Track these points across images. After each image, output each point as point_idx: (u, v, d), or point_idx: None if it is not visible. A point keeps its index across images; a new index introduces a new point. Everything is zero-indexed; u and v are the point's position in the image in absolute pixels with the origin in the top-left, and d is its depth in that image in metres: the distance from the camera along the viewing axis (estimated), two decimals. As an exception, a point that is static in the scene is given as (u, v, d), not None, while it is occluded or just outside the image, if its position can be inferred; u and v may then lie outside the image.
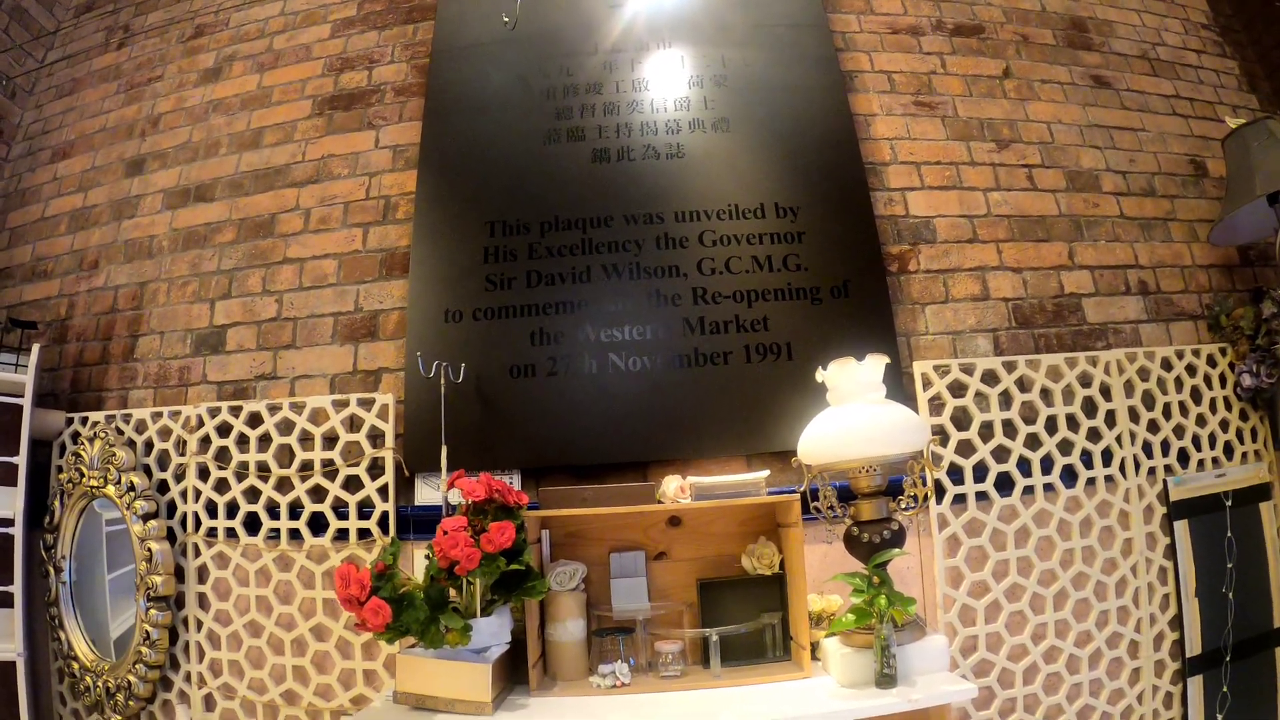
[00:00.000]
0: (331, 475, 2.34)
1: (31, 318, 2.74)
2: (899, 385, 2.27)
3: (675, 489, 1.99)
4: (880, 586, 1.77)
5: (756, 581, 2.02)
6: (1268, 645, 2.35)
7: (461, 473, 1.87)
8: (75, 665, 2.43)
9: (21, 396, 2.43)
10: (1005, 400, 2.34)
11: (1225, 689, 2.27)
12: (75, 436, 2.57)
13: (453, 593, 1.80)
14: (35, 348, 2.50)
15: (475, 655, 1.77)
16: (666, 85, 2.70)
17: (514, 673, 1.89)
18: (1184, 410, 2.43)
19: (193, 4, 3.30)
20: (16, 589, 2.32)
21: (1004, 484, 2.27)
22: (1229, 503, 2.38)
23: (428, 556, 1.81)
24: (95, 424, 2.53)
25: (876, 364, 1.90)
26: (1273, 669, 2.35)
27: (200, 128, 2.97)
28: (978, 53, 2.87)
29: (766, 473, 2.02)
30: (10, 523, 2.36)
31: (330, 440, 2.37)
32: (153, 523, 2.33)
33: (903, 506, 1.95)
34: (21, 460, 2.39)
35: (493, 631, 1.79)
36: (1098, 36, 3.02)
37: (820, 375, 1.98)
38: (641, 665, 1.95)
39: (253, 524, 2.34)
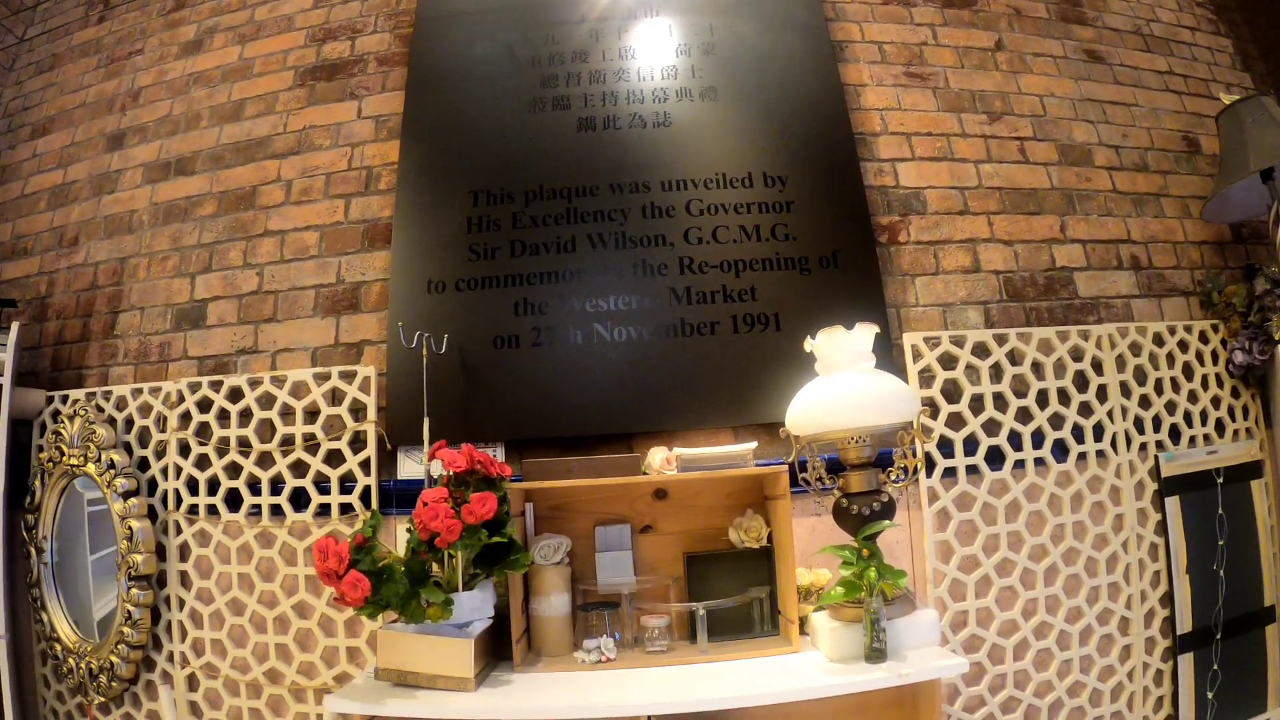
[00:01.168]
0: (313, 450, 2.30)
1: (11, 296, 2.72)
2: (889, 357, 2.25)
3: (661, 461, 1.97)
4: (869, 559, 1.75)
5: (744, 555, 2.00)
6: (1258, 623, 2.35)
7: (443, 443, 1.83)
8: (58, 647, 2.41)
9: (1, 375, 2.39)
10: (996, 373, 2.32)
11: (1216, 666, 2.28)
12: (55, 415, 2.54)
13: (435, 567, 1.78)
14: (14, 326, 2.47)
15: (457, 630, 1.75)
16: (654, 54, 2.67)
17: (498, 648, 1.87)
18: (1175, 386, 2.43)
19: (174, -24, 3.25)
20: (-2, 571, 2.30)
21: (994, 458, 2.26)
22: (1220, 480, 2.38)
23: (409, 530, 1.78)
24: (75, 402, 2.50)
25: (866, 333, 1.87)
26: (1263, 647, 2.35)
27: (181, 100, 2.93)
28: (970, 25, 2.84)
29: (754, 444, 2.00)
30: (-9, 503, 2.33)
31: (312, 414, 2.34)
32: (133, 500, 2.31)
33: (892, 478, 1.93)
34: (2, 440, 2.36)
35: (475, 606, 1.77)
36: (1091, 11, 3.00)
37: (809, 344, 1.95)
38: (627, 640, 1.93)
39: (234, 500, 2.32)
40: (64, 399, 2.55)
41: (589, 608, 1.94)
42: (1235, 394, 2.50)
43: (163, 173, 2.82)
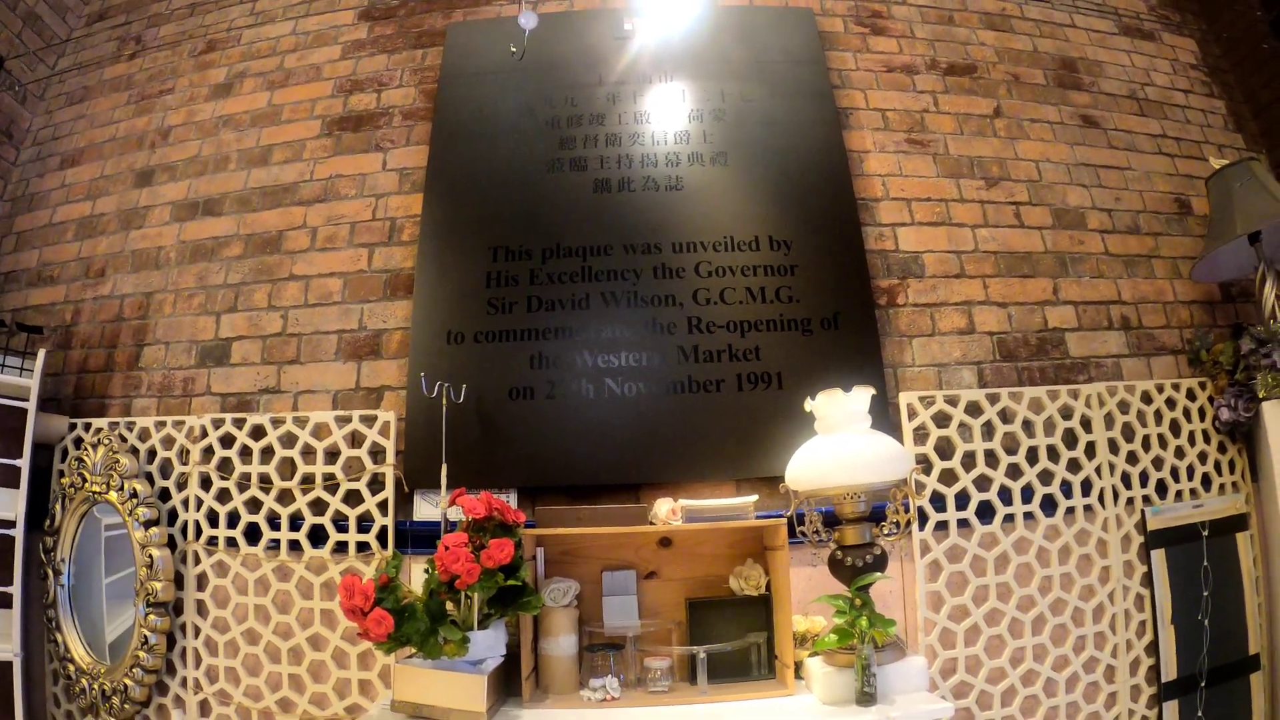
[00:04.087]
0: (332, 489, 2.39)
1: (37, 322, 2.76)
2: (885, 415, 2.33)
3: (667, 511, 2.04)
4: (862, 608, 1.84)
5: (743, 602, 2.08)
6: (1243, 671, 2.39)
7: (463, 490, 1.93)
8: (71, 667, 2.45)
9: (26, 400, 2.45)
10: (988, 431, 2.40)
11: (1200, 714, 2.31)
12: (78, 442, 2.59)
13: (449, 605, 1.85)
14: (41, 352, 2.52)
15: (471, 666, 1.82)
16: (667, 118, 2.78)
17: (508, 685, 1.94)
18: (1163, 442, 2.48)
19: (205, 19, 3.35)
20: (15, 590, 2.34)
21: (985, 512, 2.33)
22: (1205, 533, 2.43)
23: (427, 570, 1.86)
24: (99, 430, 2.56)
25: (863, 395, 1.97)
26: (1247, 695, 2.39)
27: (210, 142, 3.02)
28: (970, 91, 2.95)
29: (755, 497, 2.08)
30: (11, 524, 2.38)
31: (332, 455, 2.42)
32: (154, 529, 2.36)
33: (885, 532, 2.01)
34: (24, 463, 2.42)
35: (489, 644, 1.85)
36: (1087, 76, 3.10)
37: (809, 405, 2.04)
38: (631, 680, 2.00)
39: (253, 534, 2.38)
40: (86, 426, 2.60)
41: (595, 649, 2.01)
42: (1222, 449, 2.54)
43: (190, 212, 2.91)
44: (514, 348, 2.45)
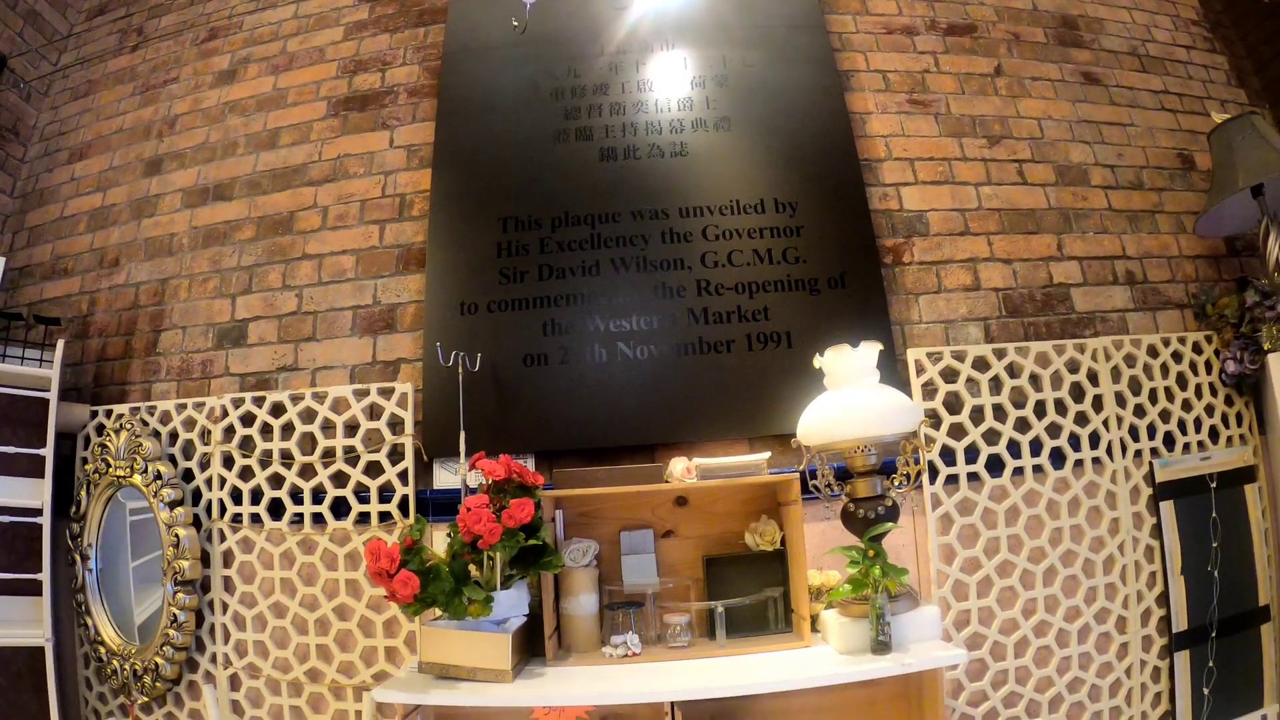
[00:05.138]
0: (353, 461, 2.43)
1: (53, 314, 2.79)
2: (894, 372, 2.36)
3: (681, 470, 2.07)
4: (875, 558, 1.87)
5: (759, 557, 2.12)
6: (1253, 622, 2.41)
7: (482, 454, 1.97)
8: (102, 650, 2.50)
9: (47, 391, 2.49)
10: (995, 385, 2.43)
11: (1211, 664, 2.34)
12: (100, 429, 2.64)
13: (473, 569, 1.89)
14: (59, 343, 2.56)
15: (495, 626, 1.87)
16: (670, 86, 2.79)
17: (531, 645, 1.98)
18: (1170, 395, 2.50)
19: (205, 7, 3.36)
20: (44, 577, 2.40)
21: (994, 465, 2.36)
22: (1214, 484, 2.44)
23: (449, 534, 1.91)
24: (120, 416, 2.60)
25: (871, 350, 2.00)
26: (1258, 645, 2.41)
27: (217, 128, 3.05)
28: (970, 51, 2.95)
29: (768, 454, 2.11)
30: (38, 512, 2.44)
31: (351, 428, 2.46)
32: (179, 510, 2.41)
33: (896, 484, 2.03)
34: (48, 452, 2.46)
35: (511, 604, 1.89)
36: (1088, 34, 3.09)
37: (818, 361, 2.07)
38: (651, 637, 2.04)
39: (276, 509, 2.44)
40: (108, 413, 2.65)
41: (615, 607, 2.05)
42: (1229, 402, 2.56)
43: (201, 198, 2.94)
44: (527, 316, 2.49)
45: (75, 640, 2.61)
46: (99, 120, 3.30)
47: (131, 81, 3.33)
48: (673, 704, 1.71)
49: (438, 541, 2.26)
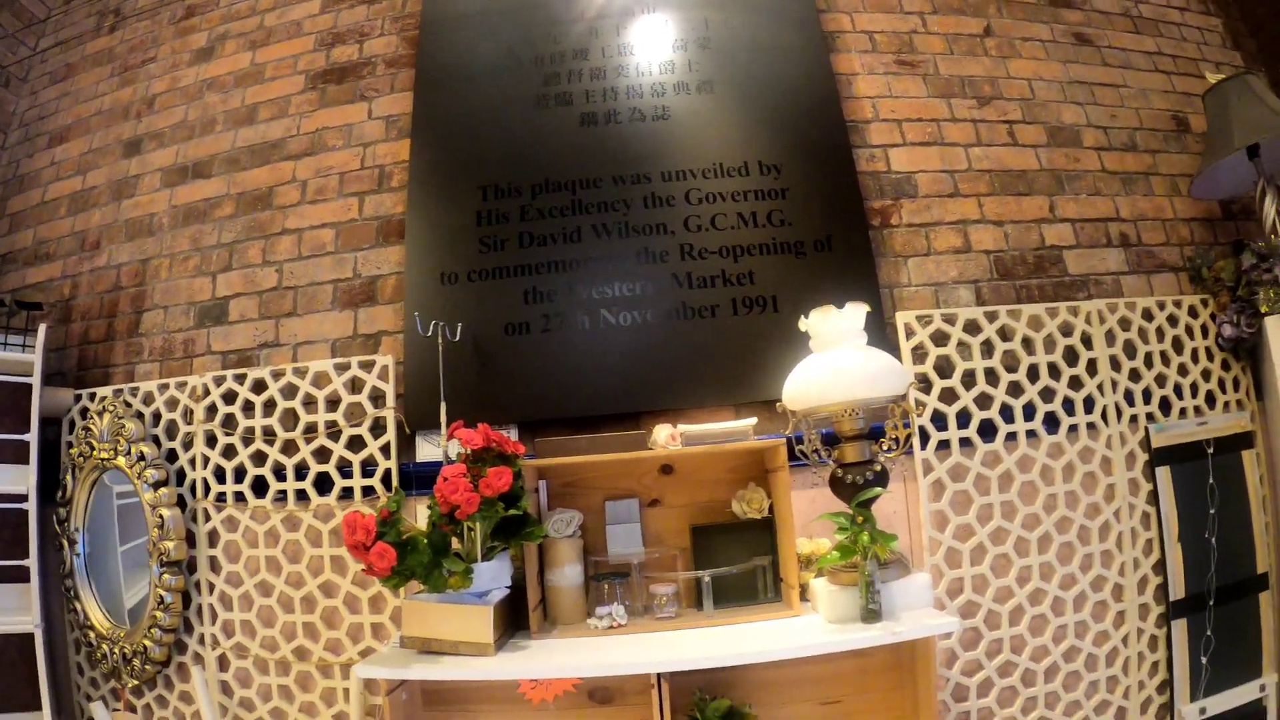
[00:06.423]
0: (335, 436, 2.40)
1: (35, 299, 2.77)
2: (882, 335, 2.32)
3: (666, 437, 2.04)
4: (864, 524, 1.84)
5: (747, 525, 2.10)
6: (1251, 590, 2.40)
7: (460, 424, 1.93)
8: (92, 634, 2.49)
9: (30, 376, 2.48)
10: (987, 349, 2.39)
11: (1209, 632, 2.32)
12: (84, 412, 2.63)
13: (455, 542, 1.87)
14: (41, 328, 2.54)
15: (477, 599, 1.84)
16: (651, 49, 2.74)
17: (515, 617, 1.97)
18: (1165, 360, 2.47)
19: (182, -15, 3.33)
20: (32, 563, 2.39)
21: (987, 430, 2.32)
22: (1211, 450, 2.42)
23: (430, 507, 1.87)
24: (103, 399, 2.58)
25: (857, 311, 1.96)
26: (1256, 614, 2.39)
27: (195, 106, 3.01)
28: (959, 11, 2.90)
29: (754, 420, 2.08)
30: (24, 498, 2.43)
31: (333, 403, 2.44)
32: (163, 490, 2.39)
33: (885, 449, 2.01)
34: (33, 438, 2.45)
35: (493, 575, 1.87)
36: (1079, -7, 3.04)
37: (803, 323, 2.04)
38: (637, 608, 2.02)
39: (260, 487, 2.41)
40: (91, 396, 2.63)
41: (600, 578, 2.03)
42: (1225, 366, 2.53)
43: (180, 176, 2.91)
44: (508, 284, 2.45)
45: (65, 626, 2.61)
46: (78, 103, 3.28)
47: (110, 63, 3.30)
48: (659, 675, 1.69)
49: (421, 515, 2.23)
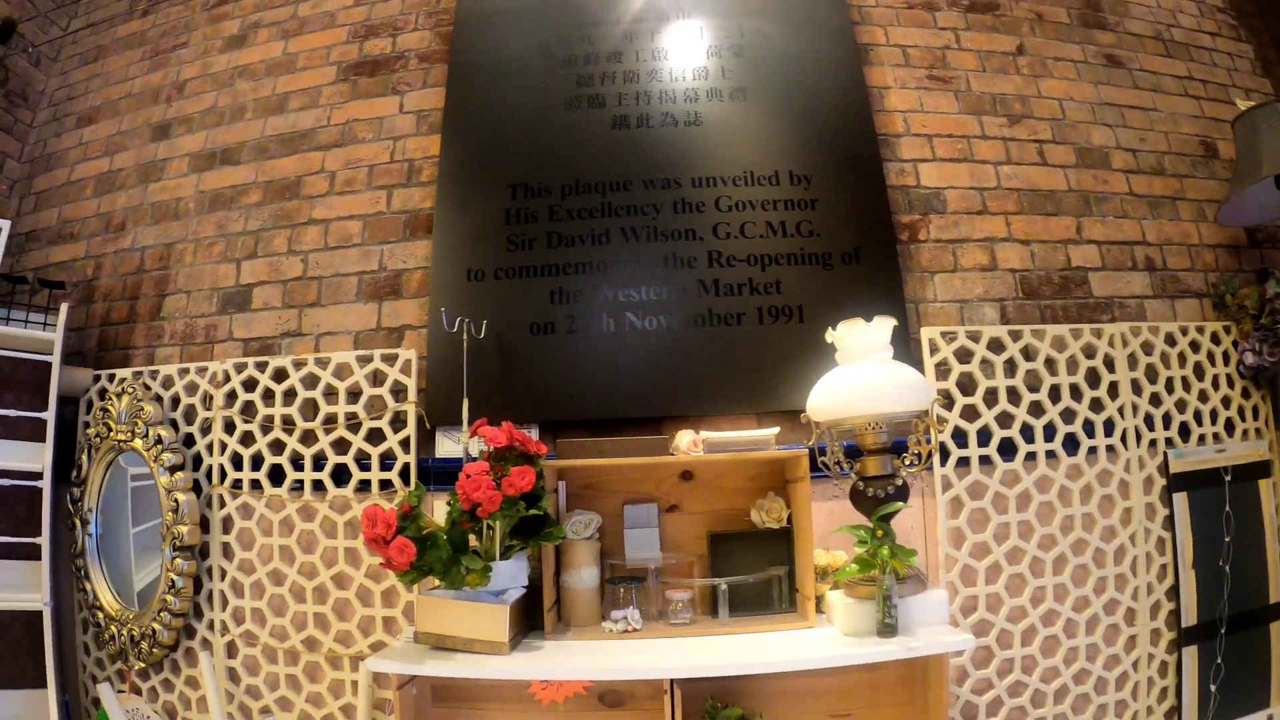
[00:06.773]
0: (355, 428, 2.41)
1: (58, 278, 2.79)
2: (907, 350, 2.32)
3: (688, 443, 2.04)
4: (883, 539, 1.83)
5: (765, 535, 2.09)
6: (1263, 620, 2.39)
7: (484, 421, 1.93)
8: (100, 615, 2.50)
9: (50, 355, 2.48)
10: (1010, 368, 2.39)
11: (1219, 660, 2.31)
12: (103, 393, 2.63)
13: (472, 539, 1.87)
14: (63, 307, 2.54)
15: (493, 597, 1.84)
16: (685, 55, 2.74)
17: (529, 617, 1.96)
18: (1186, 385, 2.47)
19: (217, -28, 3.34)
20: (44, 541, 2.39)
21: (1007, 449, 2.32)
22: (1228, 477, 2.41)
23: (449, 503, 1.87)
24: (123, 380, 2.59)
25: (884, 325, 1.96)
26: (1268, 643, 2.39)
27: (226, 93, 3.02)
28: (992, 29, 2.89)
29: (776, 429, 2.08)
30: (39, 476, 2.43)
31: (354, 394, 2.44)
32: (179, 474, 2.39)
33: (907, 464, 2.00)
34: (50, 416, 2.45)
35: (511, 575, 1.86)
36: (1112, 16, 3.03)
37: (830, 335, 2.03)
38: (652, 613, 2.02)
39: (277, 475, 2.42)
40: (111, 377, 2.64)
41: (617, 581, 2.03)
42: (1246, 394, 2.53)
43: (208, 162, 2.92)
44: (534, 284, 2.46)
45: (74, 605, 2.61)
46: (108, 85, 3.28)
47: (141, 46, 3.31)
48: (672, 681, 1.68)
49: (438, 511, 2.23)
